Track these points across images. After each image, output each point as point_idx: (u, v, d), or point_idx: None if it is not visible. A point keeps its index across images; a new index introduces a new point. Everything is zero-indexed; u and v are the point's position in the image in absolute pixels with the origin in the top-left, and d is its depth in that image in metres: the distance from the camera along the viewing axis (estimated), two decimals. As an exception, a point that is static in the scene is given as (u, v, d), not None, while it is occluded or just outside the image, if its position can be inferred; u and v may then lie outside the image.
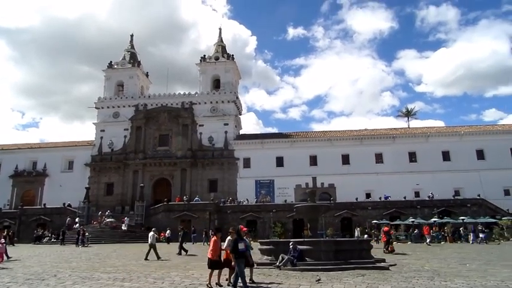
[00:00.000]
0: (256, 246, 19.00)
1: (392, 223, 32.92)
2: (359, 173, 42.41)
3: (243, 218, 36.92)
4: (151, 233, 19.30)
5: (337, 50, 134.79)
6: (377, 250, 19.98)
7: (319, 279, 10.92)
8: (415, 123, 63.41)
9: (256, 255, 16.77)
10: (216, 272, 10.15)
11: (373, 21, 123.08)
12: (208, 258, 10.05)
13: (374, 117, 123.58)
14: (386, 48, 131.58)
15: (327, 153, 44.38)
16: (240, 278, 9.18)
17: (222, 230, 12.04)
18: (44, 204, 41.84)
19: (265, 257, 15.49)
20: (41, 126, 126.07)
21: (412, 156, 43.93)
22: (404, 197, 38.00)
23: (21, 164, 48.66)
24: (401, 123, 67.75)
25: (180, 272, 13.24)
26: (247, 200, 41.14)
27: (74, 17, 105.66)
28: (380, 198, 38.34)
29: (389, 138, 45.07)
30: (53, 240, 33.79)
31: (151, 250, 18.30)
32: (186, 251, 20.83)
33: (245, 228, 13.97)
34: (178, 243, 21.54)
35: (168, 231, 32.83)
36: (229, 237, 9.84)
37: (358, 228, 31.80)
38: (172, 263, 16.54)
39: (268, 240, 19.88)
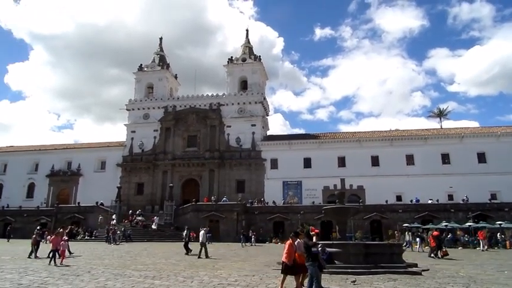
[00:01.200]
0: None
1: (424, 227, 31.97)
2: (389, 175, 41.43)
3: (271, 219, 36.90)
4: (202, 232, 19.93)
5: (365, 50, 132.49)
6: (408, 254, 19.47)
7: (354, 281, 10.81)
8: (447, 124, 61.25)
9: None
10: (287, 277, 9.51)
11: (403, 20, 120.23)
12: (283, 263, 9.40)
13: (404, 118, 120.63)
14: (416, 47, 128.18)
15: (355, 155, 43.64)
16: (314, 284, 8.67)
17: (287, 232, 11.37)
18: (78, 203, 43.30)
19: (293, 258, 15.37)
20: (75, 128, 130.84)
21: (445, 158, 42.47)
22: (437, 200, 36.83)
23: (57, 164, 50.64)
24: (433, 124, 65.86)
25: (209, 271, 13.36)
26: (273, 201, 41.08)
27: (104, 23, 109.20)
28: (411, 201, 37.28)
29: (421, 139, 43.79)
30: (86, 237, 34.94)
31: (203, 248, 18.90)
32: (189, 250, 20.67)
33: (316, 230, 13.04)
34: (206, 244, 21.64)
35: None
36: (298, 240, 9.38)
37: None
38: (202, 262, 16.73)
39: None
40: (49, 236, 25.96)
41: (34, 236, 19.06)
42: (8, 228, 37.39)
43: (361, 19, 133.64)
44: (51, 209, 42.55)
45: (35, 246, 18.21)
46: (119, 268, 14.06)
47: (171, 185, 42.60)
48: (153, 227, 35.75)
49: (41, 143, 58.18)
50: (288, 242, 9.61)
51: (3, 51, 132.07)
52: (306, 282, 9.24)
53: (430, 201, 36.81)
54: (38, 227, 22.66)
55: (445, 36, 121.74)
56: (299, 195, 43.25)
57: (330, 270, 12.87)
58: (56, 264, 14.70)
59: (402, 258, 14.83)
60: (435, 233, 22.36)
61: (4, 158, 53.43)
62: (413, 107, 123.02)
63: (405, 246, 26.98)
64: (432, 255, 20.48)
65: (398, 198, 40.50)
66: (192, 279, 11.45)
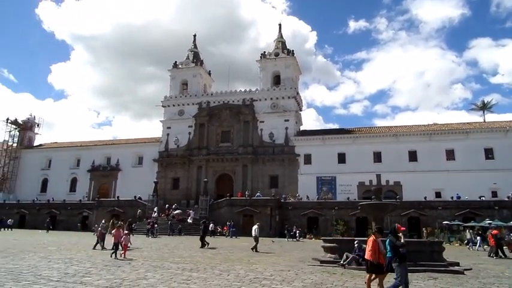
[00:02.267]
0: (318, 243, 18.82)
1: (465, 224, 30.74)
2: (428, 171, 40.10)
3: (304, 214, 36.71)
4: (255, 227, 20.55)
5: (401, 42, 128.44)
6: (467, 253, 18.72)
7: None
8: (491, 117, 58.35)
9: (319, 253, 16.62)
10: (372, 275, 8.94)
11: (442, 9, 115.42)
12: (368, 260, 8.84)
13: (443, 111, 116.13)
14: (456, 37, 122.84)
15: (392, 150, 42.52)
16: (400, 286, 8.20)
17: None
18: (118, 197, 44.91)
19: (329, 254, 15.26)
20: (114, 125, 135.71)
21: (489, 153, 40.48)
22: (480, 197, 35.22)
23: (97, 160, 52.77)
24: (474, 118, 62.76)
25: (244, 265, 13.49)
26: (307, 196, 40.81)
27: (140, 23, 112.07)
28: (452, 197, 35.86)
29: (462, 133, 41.95)
30: (125, 231, 36.14)
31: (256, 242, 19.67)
32: (205, 244, 21.07)
33: (403, 228, 12.53)
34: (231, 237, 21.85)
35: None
36: (379, 239, 8.94)
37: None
38: (237, 256, 16.91)
39: (331, 238, 19.53)
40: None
41: (100, 229, 19.96)
42: (48, 220, 39.51)
43: (396, 10, 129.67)
44: (92, 202, 44.50)
45: (101, 238, 19.03)
46: (158, 260, 14.48)
47: (206, 180, 43.25)
48: (189, 221, 36.48)
49: (82, 140, 60.92)
50: (371, 238, 9.02)
51: (47, 52, 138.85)
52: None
53: (482, 198, 35.12)
54: (103, 221, 23.81)
55: (487, 25, 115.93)
56: (333, 191, 42.71)
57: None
58: (116, 258, 14.60)
59: (443, 256, 14.33)
60: (494, 231, 21.14)
61: (49, 154, 56.32)
62: (453, 100, 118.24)
63: (467, 245, 26.05)
64: (492, 254, 19.53)
65: (438, 194, 39.17)
66: (228, 272, 11.61)
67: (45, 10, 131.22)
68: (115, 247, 15.14)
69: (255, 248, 19.61)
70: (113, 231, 16.88)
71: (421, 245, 15.80)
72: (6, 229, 37.42)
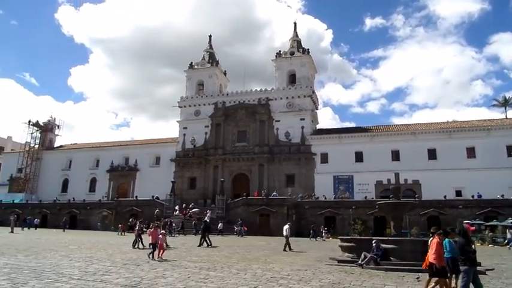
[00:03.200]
0: (335, 243, 18.68)
1: (487, 224, 30.00)
2: (447, 169, 39.30)
3: (321, 213, 36.49)
4: (286, 226, 20.72)
5: (419, 39, 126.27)
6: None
7: (418, 277, 10.49)
8: (513, 114, 56.57)
9: (336, 252, 16.50)
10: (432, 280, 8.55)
11: (461, 4, 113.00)
12: (431, 264, 8.35)
13: (463, 108, 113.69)
14: (476, 33, 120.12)
15: (410, 148, 41.84)
16: None
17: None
18: (136, 197, 45.52)
19: (346, 254, 15.14)
20: (132, 126, 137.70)
21: (511, 150, 39.44)
22: (502, 195, 34.29)
23: (116, 160, 53.65)
24: (496, 114, 61.03)
25: (261, 264, 13.50)
26: (324, 196, 40.55)
27: (156, 25, 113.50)
28: (472, 196, 35.04)
29: (483, 130, 40.96)
30: (143, 229, 36.59)
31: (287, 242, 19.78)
32: (207, 243, 21.16)
33: (472, 228, 11.59)
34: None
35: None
36: (447, 239, 8.66)
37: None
38: (254, 255, 16.94)
39: (349, 237, 19.35)
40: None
41: (137, 228, 20.62)
42: (64, 219, 40.46)
43: (414, 6, 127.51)
44: (111, 202, 45.24)
45: (139, 237, 19.66)
46: (176, 259, 14.62)
47: (222, 179, 43.44)
48: (207, 220, 36.64)
49: (101, 141, 61.93)
50: (435, 240, 8.50)
51: (67, 55, 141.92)
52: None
53: (504, 197, 34.11)
54: (141, 219, 24.46)
55: (508, 19, 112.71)
56: (350, 190, 42.35)
57: (385, 267, 12.52)
58: (153, 258, 14.19)
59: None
60: None
61: (69, 155, 57.58)
62: (473, 96, 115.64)
63: (508, 245, 25.42)
64: None
65: (458, 193, 38.34)
66: (245, 271, 11.63)
67: (64, 15, 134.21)
68: (152, 247, 14.73)
69: (288, 248, 19.61)
70: (148, 231, 16.57)
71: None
72: (34, 228, 38.73)
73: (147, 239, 16.34)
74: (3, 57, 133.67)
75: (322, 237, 31.75)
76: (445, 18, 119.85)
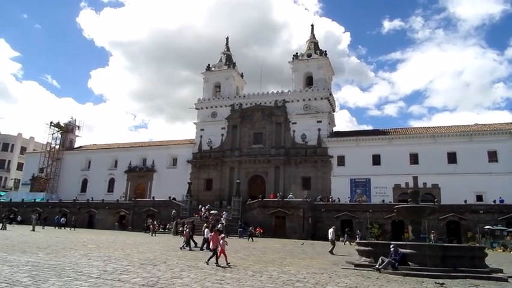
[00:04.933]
0: (353, 247, 18.47)
1: (509, 229, 29.23)
2: (468, 173, 38.41)
3: (338, 217, 36.17)
4: (331, 230, 21.13)
5: (438, 41, 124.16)
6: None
7: (443, 283, 10.30)
8: (538, 117, 54.99)
9: (353, 256, 16.31)
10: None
11: (481, 6, 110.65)
12: None
13: (484, 111, 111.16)
14: (497, 35, 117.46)
15: (429, 151, 41.07)
16: None
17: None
18: (153, 197, 46.06)
19: (364, 258, 14.93)
20: (149, 127, 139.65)
21: (535, 155, 38.34)
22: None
23: (134, 161, 54.39)
24: (519, 117, 59.40)
25: (277, 267, 13.44)
26: (338, 198, 40.19)
27: (175, 28, 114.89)
28: (494, 201, 34.16)
29: (506, 133, 39.90)
30: (160, 229, 37.04)
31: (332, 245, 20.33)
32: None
33: None
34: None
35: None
36: None
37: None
38: (270, 257, 16.89)
39: (367, 241, 19.13)
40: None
41: (187, 230, 21.03)
42: (73, 218, 41.28)
43: (433, 9, 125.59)
44: (129, 202, 45.87)
45: (189, 239, 20.18)
46: (192, 260, 14.70)
47: (238, 181, 43.53)
48: (223, 221, 36.75)
49: (120, 142, 62.88)
50: None
51: (87, 58, 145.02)
52: None
53: None
54: (191, 220, 25.07)
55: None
56: (368, 193, 41.83)
57: (403, 272, 12.31)
58: (218, 265, 12.95)
59: (485, 262, 13.67)
60: None
61: (88, 155, 58.72)
62: (494, 99, 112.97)
63: None
64: None
65: (479, 198, 37.47)
66: (261, 273, 11.60)
67: (85, 19, 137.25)
68: (213, 252, 13.56)
69: (332, 250, 19.96)
70: (209, 236, 15.57)
71: (461, 250, 15.16)
72: (63, 227, 39.80)
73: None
74: (27, 60, 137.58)
75: (348, 239, 31.31)
76: (466, 20, 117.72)
